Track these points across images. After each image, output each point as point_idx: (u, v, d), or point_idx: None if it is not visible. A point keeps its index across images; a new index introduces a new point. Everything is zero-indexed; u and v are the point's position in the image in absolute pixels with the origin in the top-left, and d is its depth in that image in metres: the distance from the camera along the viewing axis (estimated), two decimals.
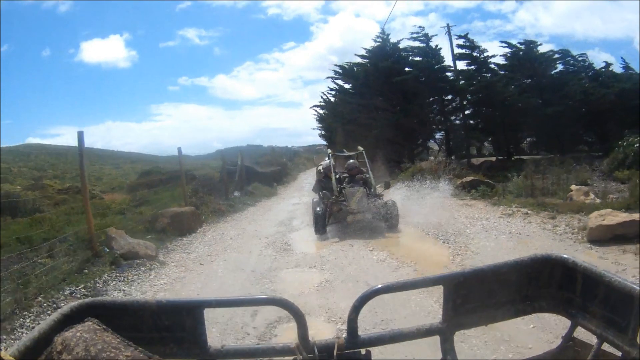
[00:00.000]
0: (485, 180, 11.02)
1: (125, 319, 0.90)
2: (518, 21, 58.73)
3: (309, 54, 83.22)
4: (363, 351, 0.96)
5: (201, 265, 5.64)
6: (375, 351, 0.95)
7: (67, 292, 4.50)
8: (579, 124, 19.47)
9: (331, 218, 7.47)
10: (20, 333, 3.60)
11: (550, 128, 19.52)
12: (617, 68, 22.20)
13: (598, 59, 56.21)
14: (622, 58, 29.54)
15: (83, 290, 4.61)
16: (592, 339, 0.96)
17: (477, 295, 1.02)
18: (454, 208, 7.88)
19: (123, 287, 4.81)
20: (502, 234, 5.95)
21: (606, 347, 0.91)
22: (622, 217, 5.58)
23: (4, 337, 3.51)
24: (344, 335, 0.97)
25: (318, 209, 7.46)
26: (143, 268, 5.50)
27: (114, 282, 4.94)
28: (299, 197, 12.76)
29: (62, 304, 4.27)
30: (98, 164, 42.05)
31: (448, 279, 1.00)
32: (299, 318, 0.94)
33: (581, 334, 0.99)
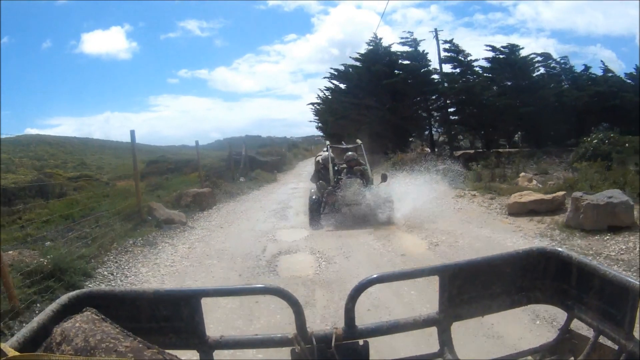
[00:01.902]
0: (455, 169, 12.94)
1: (123, 309, 0.93)
2: (519, 15, 58.74)
3: (310, 46, 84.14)
4: (361, 342, 0.99)
5: (221, 228, 7.58)
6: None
7: (130, 242, 6.40)
8: (554, 122, 21.32)
9: (326, 207, 7.70)
10: (111, 264, 5.48)
11: (528, 125, 21.53)
12: (612, 66, 24.07)
13: (600, 55, 56.79)
14: (602, 61, 31.24)
15: (141, 241, 6.51)
16: (589, 333, 0.98)
17: (472, 286, 1.04)
18: (419, 190, 9.74)
19: (168, 241, 6.73)
20: (448, 208, 7.88)
21: (603, 340, 0.93)
22: (535, 196, 7.50)
23: (110, 264, 5.43)
24: (342, 325, 0.99)
25: (314, 197, 7.71)
26: (179, 230, 7.43)
27: (160, 238, 6.86)
28: (297, 183, 14.70)
29: (130, 249, 6.19)
30: (98, 154, 42.59)
31: (443, 269, 1.03)
32: (297, 308, 0.96)
33: (578, 328, 1.01)
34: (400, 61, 21.42)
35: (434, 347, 1.06)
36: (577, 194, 6.30)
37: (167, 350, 0.74)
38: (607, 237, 5.54)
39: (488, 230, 6.24)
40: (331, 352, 0.95)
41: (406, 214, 7.39)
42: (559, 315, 2.24)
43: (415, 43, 21.30)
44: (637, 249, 5.02)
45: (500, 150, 20.71)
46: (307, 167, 19.71)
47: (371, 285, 0.99)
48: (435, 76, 21.52)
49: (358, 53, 22.13)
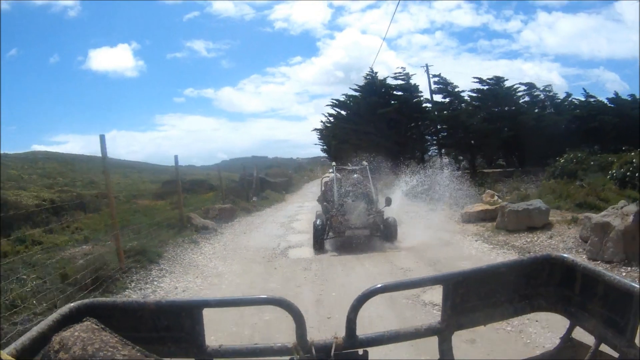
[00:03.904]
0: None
1: (125, 320, 0.94)
2: (523, 40, 60.58)
3: (316, 68, 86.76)
4: (360, 351, 0.99)
5: (244, 233, 9.95)
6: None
7: (180, 240, 8.74)
8: (534, 145, 23.52)
9: (330, 231, 7.84)
10: (170, 252, 7.80)
11: (512, 148, 23.94)
12: (616, 88, 26.48)
13: (603, 78, 58.42)
14: (583, 89, 33.60)
15: (187, 240, 8.82)
16: (590, 340, 0.99)
17: (476, 295, 1.05)
18: (400, 205, 12.03)
19: (206, 241, 9.06)
20: (417, 217, 10.15)
21: (604, 348, 0.95)
22: (483, 207, 9.80)
23: (169, 252, 7.78)
24: (343, 335, 1.00)
25: (318, 222, 7.81)
26: (212, 234, 9.79)
27: (200, 239, 9.18)
28: (303, 202, 17.11)
29: (181, 244, 8.52)
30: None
31: (447, 278, 1.04)
32: (298, 318, 0.97)
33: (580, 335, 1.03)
34: (394, 92, 24.10)
35: (433, 356, 1.06)
36: (504, 203, 8.60)
37: (165, 359, 0.79)
38: (523, 234, 7.77)
39: (441, 232, 8.51)
40: None
41: None
42: None
43: (407, 77, 24.03)
44: (538, 241, 7.29)
45: (485, 170, 23.08)
46: (312, 189, 22.05)
47: (374, 295, 1.00)
48: (428, 105, 24.16)
49: (357, 85, 24.95)
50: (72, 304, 0.90)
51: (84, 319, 0.79)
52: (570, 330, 1.07)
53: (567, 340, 1.08)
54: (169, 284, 5.86)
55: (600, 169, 15.07)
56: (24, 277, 5.50)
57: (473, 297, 1.05)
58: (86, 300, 0.93)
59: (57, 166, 40.13)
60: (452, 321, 1.04)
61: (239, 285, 5.65)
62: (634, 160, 13.28)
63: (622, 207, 5.90)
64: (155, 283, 5.89)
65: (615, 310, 0.93)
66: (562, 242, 6.98)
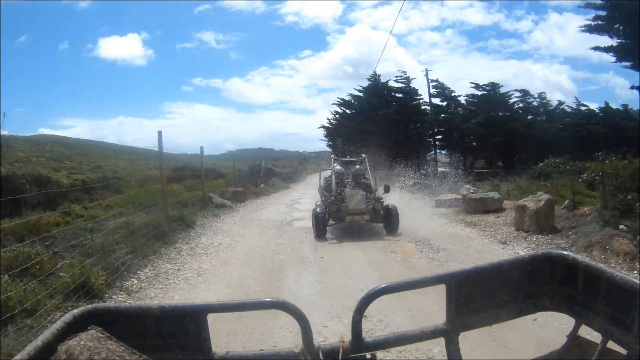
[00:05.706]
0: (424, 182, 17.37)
1: (129, 326, 0.93)
2: (533, 42, 61.21)
3: (325, 62, 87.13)
4: (368, 355, 0.99)
5: (256, 211, 12.14)
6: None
7: (204, 213, 10.88)
8: (523, 149, 25.37)
9: (330, 218, 8.14)
10: (200, 221, 9.95)
11: (503, 151, 25.89)
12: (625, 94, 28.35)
13: (612, 83, 59.06)
14: (575, 97, 35.18)
15: (210, 214, 10.97)
16: (597, 338, 0.99)
17: (479, 295, 1.05)
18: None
19: (226, 215, 11.19)
20: (400, 203, 12.19)
21: (612, 345, 0.95)
22: (452, 196, 11.91)
23: (199, 221, 9.95)
24: (349, 339, 1.00)
25: (317, 210, 8.08)
26: (230, 211, 11.96)
27: (220, 213, 11.30)
28: (305, 190, 19.29)
29: (206, 217, 10.68)
30: (112, 158, 41.84)
31: (450, 277, 1.04)
32: (303, 322, 0.96)
33: (586, 333, 1.04)
34: (395, 94, 26.15)
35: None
36: (466, 193, 10.71)
37: None
38: (478, 215, 9.80)
39: (415, 212, 10.61)
40: None
41: None
42: None
43: (408, 80, 26.07)
44: (485, 219, 9.35)
45: (476, 170, 25.10)
46: (315, 180, 24.01)
47: (378, 297, 0.99)
48: (427, 107, 26.20)
49: (361, 86, 27.02)
50: (75, 311, 0.89)
51: (89, 327, 0.79)
52: (576, 328, 1.07)
53: (574, 338, 1.08)
54: (206, 240, 8.00)
55: (576, 173, 16.96)
56: (88, 237, 7.63)
57: (477, 297, 1.05)
58: (89, 307, 0.93)
59: (64, 150, 40.92)
60: (457, 322, 1.05)
61: (258, 241, 7.83)
62: (604, 167, 15.24)
63: (539, 195, 7.99)
64: (196, 240, 8.03)
65: (620, 308, 0.93)
66: (503, 220, 9.07)
